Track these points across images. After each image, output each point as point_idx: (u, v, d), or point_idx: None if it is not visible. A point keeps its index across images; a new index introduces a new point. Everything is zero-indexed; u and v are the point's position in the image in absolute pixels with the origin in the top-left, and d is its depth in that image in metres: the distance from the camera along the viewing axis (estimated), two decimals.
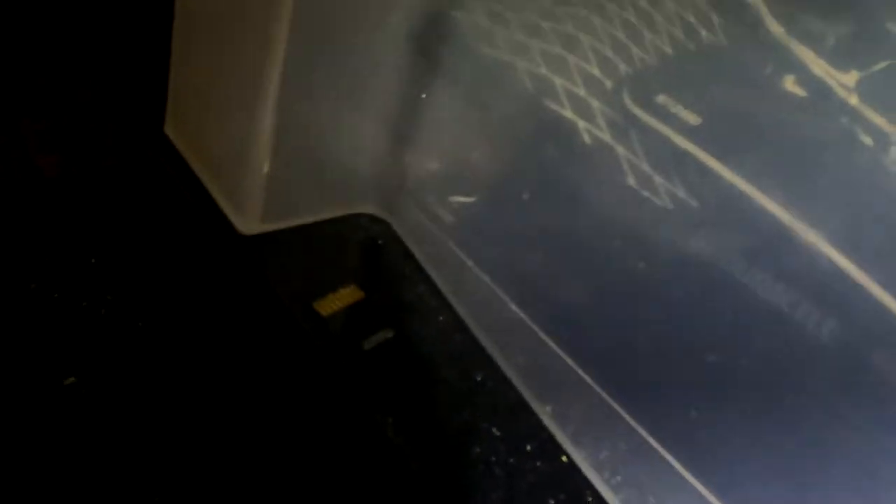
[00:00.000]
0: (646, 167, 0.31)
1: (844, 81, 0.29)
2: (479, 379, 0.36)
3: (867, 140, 0.28)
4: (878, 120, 0.28)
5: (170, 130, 0.40)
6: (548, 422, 0.35)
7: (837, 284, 0.27)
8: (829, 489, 0.29)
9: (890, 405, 0.27)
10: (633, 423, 0.33)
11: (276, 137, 0.35)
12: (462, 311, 0.38)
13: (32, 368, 0.31)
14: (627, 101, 0.32)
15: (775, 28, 0.30)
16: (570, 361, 0.34)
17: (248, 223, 0.37)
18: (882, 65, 0.28)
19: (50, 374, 0.31)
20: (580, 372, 0.34)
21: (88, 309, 0.34)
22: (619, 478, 0.33)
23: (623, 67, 0.33)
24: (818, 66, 0.29)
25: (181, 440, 0.31)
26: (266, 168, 0.36)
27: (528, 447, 0.34)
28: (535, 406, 0.35)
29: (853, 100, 0.29)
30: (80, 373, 0.32)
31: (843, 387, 0.28)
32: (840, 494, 0.29)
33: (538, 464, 0.33)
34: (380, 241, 0.40)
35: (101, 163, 0.42)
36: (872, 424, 0.27)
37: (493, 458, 0.33)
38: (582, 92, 0.33)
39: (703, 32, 0.33)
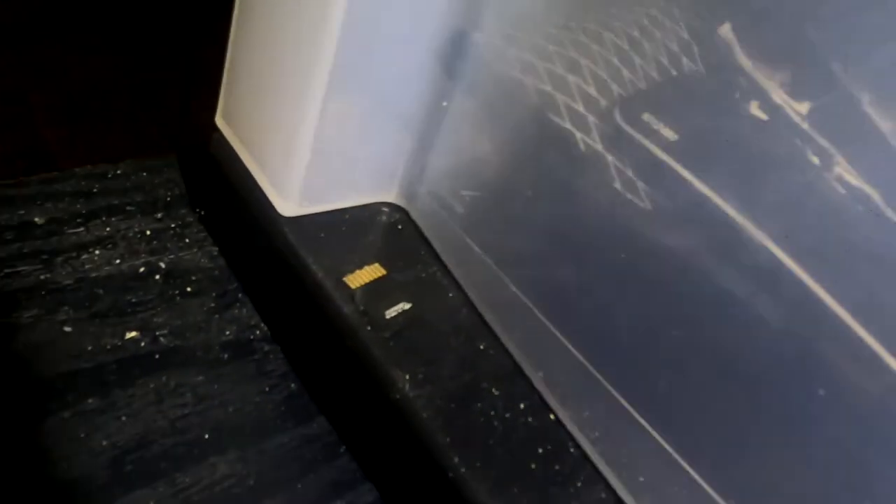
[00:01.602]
0: (630, 174, 0.36)
1: (798, 109, 0.33)
2: (481, 347, 0.40)
3: (814, 159, 0.32)
4: (824, 143, 0.33)
5: (221, 120, 0.44)
6: (539, 385, 0.39)
7: (783, 278, 0.32)
8: (773, 451, 0.34)
9: (825, 383, 0.32)
10: (611, 388, 0.37)
11: (317, 132, 0.39)
12: (468, 289, 0.42)
13: None
14: (618, 117, 0.36)
15: (744, 61, 0.35)
16: (559, 335, 0.38)
17: (289, 206, 0.41)
18: (828, 97, 0.33)
19: None
20: (567, 344, 0.38)
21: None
22: (597, 433, 0.37)
23: (616, 88, 0.37)
24: (778, 95, 0.34)
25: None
26: (307, 159, 0.39)
27: (522, 405, 0.38)
28: (529, 371, 0.39)
29: (805, 125, 0.33)
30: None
31: (789, 365, 0.33)
32: (782, 455, 0.34)
33: (530, 419, 0.37)
34: (400, 227, 0.44)
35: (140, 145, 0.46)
36: (808, 399, 0.32)
37: (492, 413, 0.37)
38: (580, 108, 0.37)
39: (685, 60, 0.38)
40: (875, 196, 0.31)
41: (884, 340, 0.30)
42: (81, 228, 0.43)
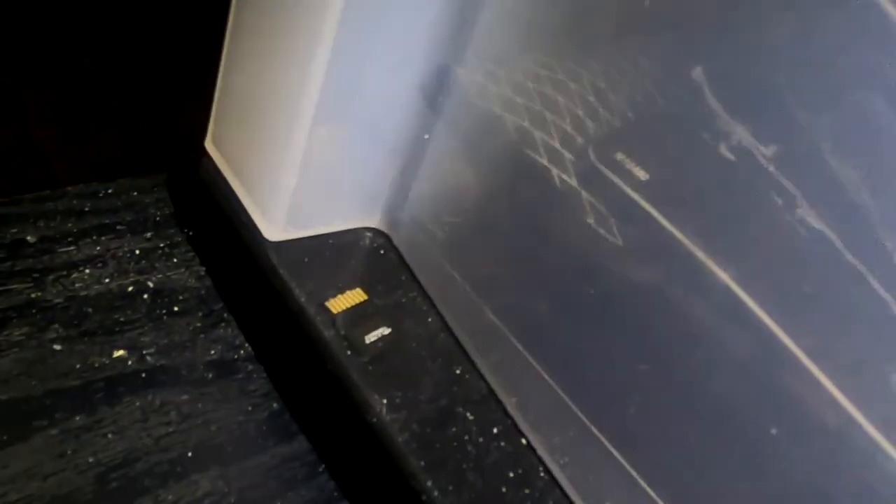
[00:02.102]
0: (604, 210, 0.37)
1: (765, 152, 0.35)
2: (458, 372, 0.41)
3: (778, 201, 0.34)
4: (788, 185, 0.34)
5: (210, 145, 0.45)
6: (512, 410, 0.40)
7: (743, 316, 0.33)
8: (731, 482, 0.35)
9: (779, 421, 0.33)
10: (581, 415, 0.38)
11: (303, 159, 0.40)
12: (447, 314, 0.43)
13: None
14: (592, 155, 0.38)
15: (715, 105, 0.36)
16: (533, 361, 0.40)
17: (274, 231, 0.42)
18: (792, 143, 0.34)
19: None
20: (541, 371, 0.39)
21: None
22: (566, 459, 0.39)
23: (591, 126, 0.38)
24: (746, 139, 0.35)
25: None
26: (292, 185, 0.41)
27: (495, 430, 0.39)
28: (503, 397, 0.40)
29: (771, 167, 0.34)
30: None
31: (746, 400, 0.34)
32: (740, 486, 0.35)
33: (502, 444, 0.39)
34: (382, 252, 0.45)
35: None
36: (762, 435, 0.33)
37: (466, 437, 0.38)
38: (557, 145, 0.39)
39: (659, 101, 0.39)
40: (835, 240, 0.32)
41: (837, 380, 0.32)
42: (72, 247, 0.44)
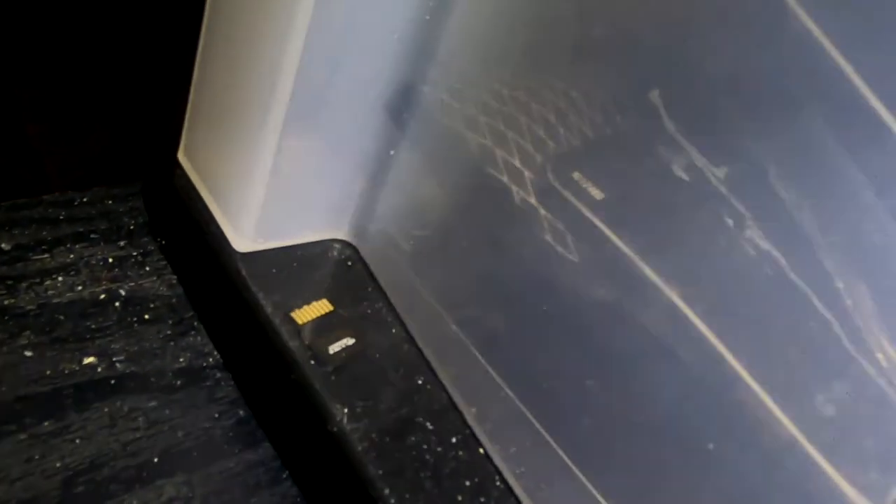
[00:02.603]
0: (561, 227, 0.38)
1: (717, 174, 0.35)
2: (419, 382, 0.42)
3: (729, 221, 0.35)
4: (739, 207, 0.35)
5: (182, 156, 0.46)
6: (471, 420, 0.41)
7: (689, 334, 0.35)
8: (680, 496, 0.37)
9: (717, 436, 0.34)
10: (538, 425, 0.39)
11: (272, 173, 0.41)
12: (411, 326, 0.44)
13: None
14: (550, 174, 0.39)
15: (670, 126, 0.37)
16: (492, 373, 0.41)
17: (244, 242, 0.43)
18: (741, 165, 0.35)
19: None
20: (500, 382, 0.40)
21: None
22: (523, 468, 0.40)
23: (551, 146, 0.39)
24: (699, 160, 0.36)
25: None
26: (261, 198, 0.42)
27: (454, 439, 0.40)
28: (462, 407, 0.41)
29: (723, 188, 0.35)
30: None
31: (690, 416, 0.35)
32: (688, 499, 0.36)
33: (460, 453, 0.40)
34: (349, 263, 0.46)
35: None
36: (701, 450, 0.34)
37: (425, 446, 0.39)
38: (517, 163, 0.39)
39: (618, 121, 0.40)
40: (782, 261, 0.33)
41: (777, 397, 0.33)
42: (46, 255, 0.45)
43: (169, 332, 0.45)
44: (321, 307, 0.43)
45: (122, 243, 0.47)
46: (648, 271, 0.36)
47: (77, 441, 0.39)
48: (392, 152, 0.43)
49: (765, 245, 0.34)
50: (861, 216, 0.31)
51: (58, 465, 0.38)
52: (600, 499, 0.38)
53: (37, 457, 0.38)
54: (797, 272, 0.33)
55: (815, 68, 0.30)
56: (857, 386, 0.32)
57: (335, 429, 0.38)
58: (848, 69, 0.30)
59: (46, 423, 0.39)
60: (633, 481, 0.38)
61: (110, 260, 0.46)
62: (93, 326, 0.43)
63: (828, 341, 0.32)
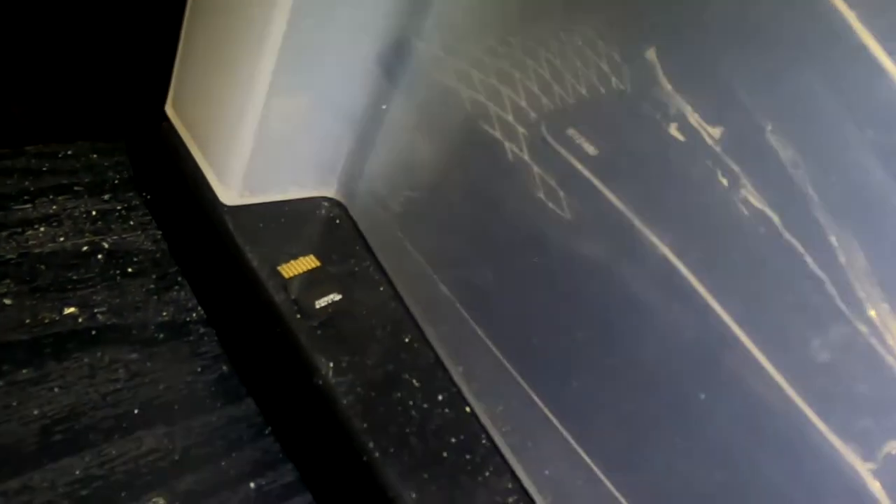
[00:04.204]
0: (553, 184, 0.38)
1: (712, 133, 0.35)
2: (406, 340, 0.42)
3: (724, 181, 0.34)
4: (733, 166, 0.35)
5: (170, 109, 0.46)
6: (458, 379, 0.41)
7: (681, 288, 0.34)
8: (666, 450, 0.36)
9: (709, 387, 0.34)
10: (525, 385, 0.39)
11: (260, 126, 0.40)
12: (399, 284, 0.44)
13: None
14: (544, 130, 0.38)
15: (666, 84, 0.37)
16: (480, 332, 0.40)
17: (230, 195, 0.42)
18: (737, 123, 0.35)
19: None
20: (487, 341, 0.40)
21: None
22: (509, 427, 0.39)
23: (545, 102, 0.39)
24: (694, 119, 0.36)
25: None
26: (249, 151, 0.41)
27: (440, 397, 0.40)
28: (449, 365, 0.41)
29: (718, 148, 0.35)
30: None
31: (680, 368, 0.35)
32: (674, 454, 0.36)
33: (446, 411, 0.39)
34: (337, 221, 0.46)
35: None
36: (693, 401, 0.34)
37: (411, 403, 0.39)
38: (510, 118, 0.39)
39: (613, 80, 0.39)
40: (775, 219, 0.33)
41: (767, 350, 0.32)
42: (28, 205, 0.44)
43: (152, 286, 0.44)
44: (308, 262, 0.42)
45: (106, 197, 0.47)
46: (641, 227, 0.35)
47: (56, 390, 0.38)
48: (384, 107, 0.42)
49: (759, 204, 0.34)
50: (855, 168, 0.30)
51: (35, 412, 0.37)
52: (585, 457, 0.38)
53: (14, 404, 0.37)
54: (791, 230, 0.33)
55: (815, 19, 0.30)
56: (849, 343, 0.31)
57: (320, 382, 0.38)
58: (850, 16, 0.29)
59: (25, 371, 0.38)
60: (619, 439, 0.38)
61: (94, 213, 0.46)
62: (74, 277, 0.42)
63: (821, 299, 0.32)
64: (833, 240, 0.32)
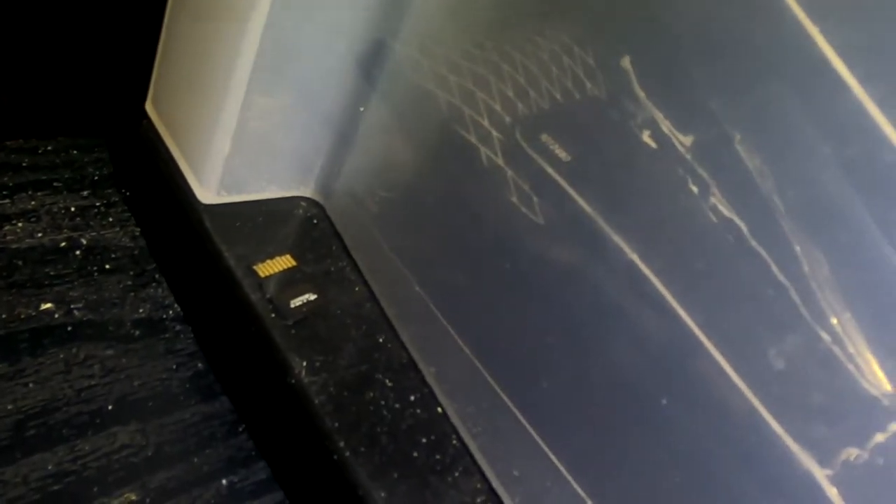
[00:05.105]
0: (527, 188, 0.38)
1: (683, 141, 0.36)
2: (380, 340, 0.42)
3: (694, 188, 0.35)
4: (704, 174, 0.35)
5: (150, 107, 0.46)
6: (430, 380, 0.41)
7: (648, 294, 0.35)
8: (631, 453, 0.37)
9: (671, 392, 0.35)
10: (495, 386, 0.39)
11: (238, 126, 0.40)
12: (374, 285, 0.44)
13: None
14: (518, 135, 0.39)
15: (640, 92, 0.37)
16: (453, 333, 0.41)
17: (208, 194, 0.43)
18: (707, 132, 0.36)
19: None
20: (460, 343, 0.41)
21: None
22: (479, 428, 0.40)
23: (520, 107, 0.39)
24: (666, 127, 0.36)
25: None
26: (227, 150, 0.41)
27: (412, 398, 0.40)
28: (422, 366, 0.42)
29: (689, 156, 0.35)
30: None
31: (649, 367, 0.36)
32: (639, 456, 0.37)
33: (418, 411, 0.40)
34: (314, 221, 0.46)
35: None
36: (657, 406, 0.35)
37: (383, 403, 0.39)
38: (485, 123, 0.39)
39: (588, 86, 0.40)
40: (743, 227, 0.33)
41: (730, 356, 0.33)
42: (7, 200, 0.44)
43: (129, 283, 0.44)
44: (284, 262, 0.43)
45: (85, 193, 0.47)
46: (611, 233, 0.36)
47: (30, 385, 0.38)
48: (361, 109, 0.42)
49: (727, 212, 0.34)
50: (820, 179, 0.31)
51: (9, 407, 0.37)
52: (553, 458, 0.38)
53: None
54: (757, 238, 0.33)
55: (781, 33, 0.31)
56: (811, 350, 0.32)
57: (293, 381, 0.38)
58: (814, 32, 0.30)
59: None
60: (586, 440, 0.38)
61: (73, 209, 0.46)
62: (51, 273, 0.43)
63: (784, 307, 0.32)
64: (797, 249, 0.32)
